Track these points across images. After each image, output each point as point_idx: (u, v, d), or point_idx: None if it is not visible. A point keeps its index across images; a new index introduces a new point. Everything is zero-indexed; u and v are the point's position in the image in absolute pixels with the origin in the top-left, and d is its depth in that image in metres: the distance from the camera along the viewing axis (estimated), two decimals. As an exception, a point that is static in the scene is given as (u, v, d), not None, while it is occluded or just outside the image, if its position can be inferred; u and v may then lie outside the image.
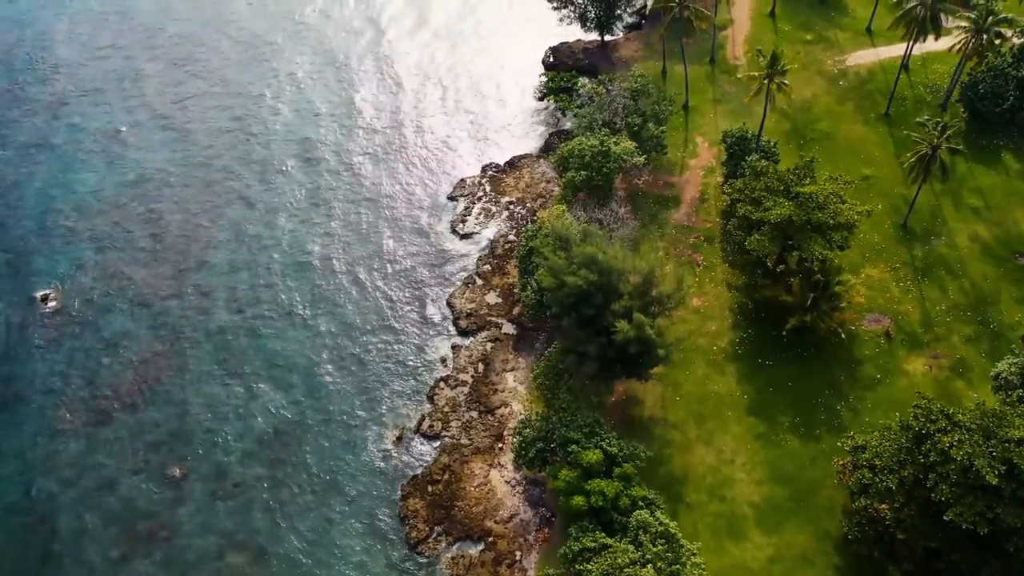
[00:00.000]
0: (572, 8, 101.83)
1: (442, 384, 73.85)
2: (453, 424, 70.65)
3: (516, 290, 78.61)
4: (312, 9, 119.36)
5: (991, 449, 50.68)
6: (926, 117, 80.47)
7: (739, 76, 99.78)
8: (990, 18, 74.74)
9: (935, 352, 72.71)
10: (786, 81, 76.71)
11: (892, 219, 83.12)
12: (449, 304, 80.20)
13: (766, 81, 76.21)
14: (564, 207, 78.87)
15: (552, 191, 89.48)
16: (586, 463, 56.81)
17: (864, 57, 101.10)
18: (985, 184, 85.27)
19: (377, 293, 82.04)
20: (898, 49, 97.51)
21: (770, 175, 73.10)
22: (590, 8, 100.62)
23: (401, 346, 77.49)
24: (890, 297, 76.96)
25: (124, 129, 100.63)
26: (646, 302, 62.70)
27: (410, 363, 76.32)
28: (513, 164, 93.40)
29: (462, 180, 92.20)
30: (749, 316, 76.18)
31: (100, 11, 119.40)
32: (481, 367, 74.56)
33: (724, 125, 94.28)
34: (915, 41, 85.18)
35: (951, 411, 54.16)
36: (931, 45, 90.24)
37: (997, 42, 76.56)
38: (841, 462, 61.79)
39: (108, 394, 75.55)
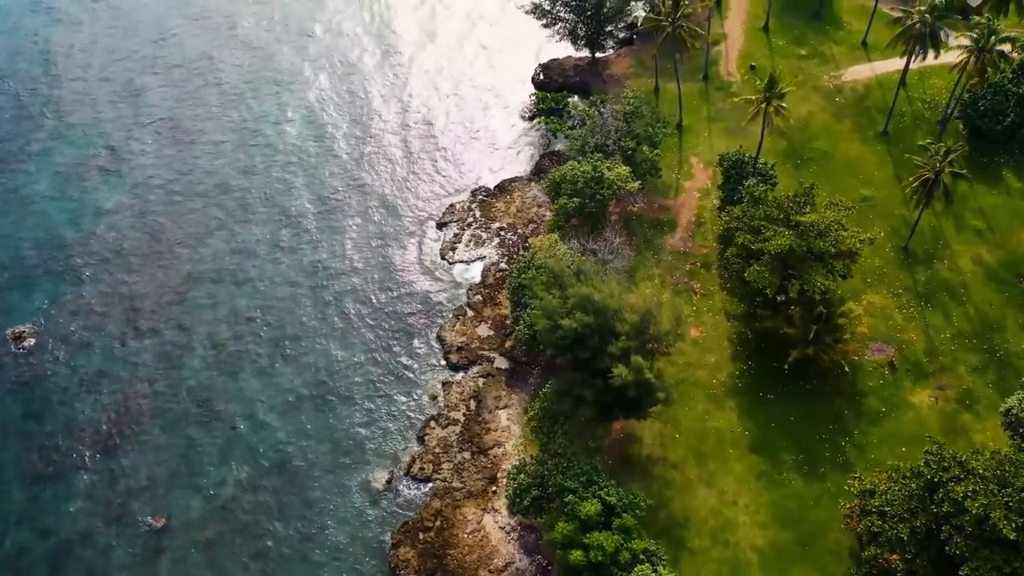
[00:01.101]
0: (562, 25, 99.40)
1: (433, 423, 71.19)
2: (445, 466, 67.98)
3: (508, 321, 76.12)
4: (290, 36, 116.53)
5: (1008, 500, 48.47)
6: (928, 140, 78.36)
7: (734, 92, 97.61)
8: (992, 38, 72.59)
9: (941, 383, 70.54)
10: (784, 104, 74.39)
11: (893, 242, 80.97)
12: (439, 337, 77.54)
13: (763, 104, 73.78)
14: (557, 236, 76.42)
15: (544, 216, 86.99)
16: (584, 515, 54.31)
17: (860, 72, 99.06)
18: (987, 204, 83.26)
19: (364, 327, 79.27)
20: (894, 63, 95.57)
21: (769, 203, 70.82)
22: (580, 25, 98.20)
23: (390, 383, 74.74)
24: (893, 325, 74.77)
25: (102, 156, 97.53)
26: (644, 340, 60.24)
27: (399, 401, 73.62)
28: (503, 188, 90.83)
29: (451, 205, 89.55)
30: (749, 347, 73.83)
31: (87, 26, 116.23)
32: (473, 404, 71.95)
33: (719, 144, 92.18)
34: (914, 59, 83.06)
35: (964, 458, 51.92)
36: (929, 59, 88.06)
37: (999, 62, 74.34)
38: (848, 506, 59.51)
39: (85, 438, 72.53)
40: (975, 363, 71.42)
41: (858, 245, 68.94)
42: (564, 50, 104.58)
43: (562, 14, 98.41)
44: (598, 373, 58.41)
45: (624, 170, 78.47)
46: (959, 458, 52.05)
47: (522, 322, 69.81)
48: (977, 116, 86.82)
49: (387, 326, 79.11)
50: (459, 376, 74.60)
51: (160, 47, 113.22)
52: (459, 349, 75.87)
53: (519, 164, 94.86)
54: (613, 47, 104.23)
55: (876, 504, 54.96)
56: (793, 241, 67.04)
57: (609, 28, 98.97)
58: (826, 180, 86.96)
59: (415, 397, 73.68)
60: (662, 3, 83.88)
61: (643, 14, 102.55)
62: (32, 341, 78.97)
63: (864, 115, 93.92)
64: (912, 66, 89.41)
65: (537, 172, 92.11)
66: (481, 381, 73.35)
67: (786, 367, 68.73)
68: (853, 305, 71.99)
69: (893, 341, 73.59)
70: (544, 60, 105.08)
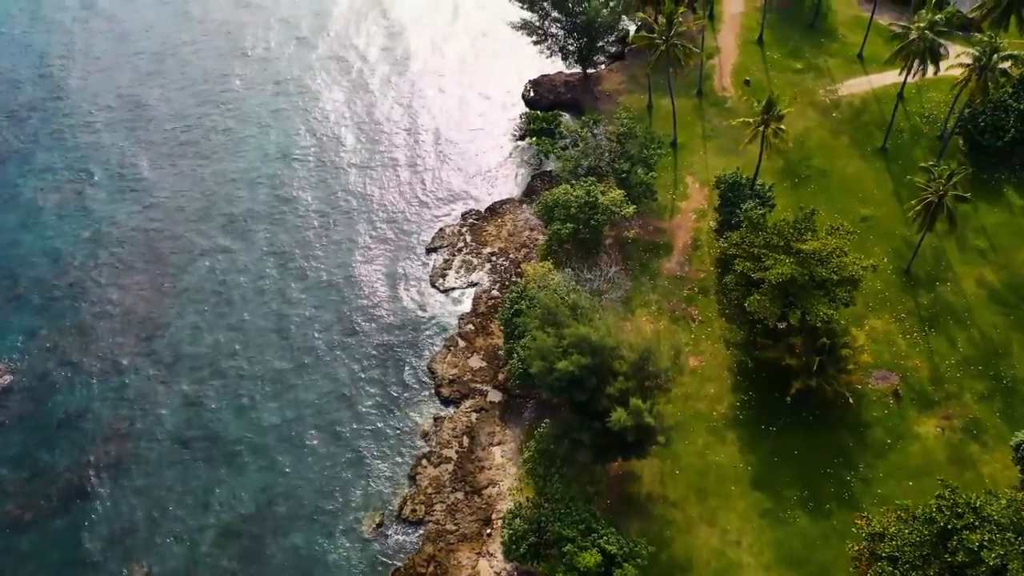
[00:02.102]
0: (552, 41, 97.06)
1: (424, 461, 68.70)
2: (437, 507, 65.53)
3: (501, 352, 73.74)
4: (275, 49, 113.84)
5: (1025, 550, 46.42)
6: (931, 163, 76.35)
7: (728, 108, 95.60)
8: (995, 56, 70.66)
9: (947, 412, 68.54)
10: (782, 127, 72.24)
11: (895, 263, 79.00)
12: (430, 369, 75.05)
13: (761, 127, 71.62)
14: (550, 264, 74.05)
15: (536, 240, 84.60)
16: (583, 567, 52.00)
17: (857, 86, 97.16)
18: (989, 223, 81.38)
19: (352, 359, 76.65)
20: (891, 76, 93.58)
21: (769, 230, 68.70)
22: (570, 41, 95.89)
23: (379, 419, 72.19)
24: (897, 351, 72.76)
25: (80, 181, 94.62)
26: (643, 378, 57.94)
27: (389, 438, 71.09)
28: (494, 210, 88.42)
29: (441, 230, 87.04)
30: (749, 376, 71.66)
31: (65, 46, 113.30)
32: (466, 441, 69.53)
33: (714, 163, 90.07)
34: (913, 75, 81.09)
35: (979, 503, 49.85)
36: (928, 74, 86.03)
37: (1001, 80, 72.45)
38: (857, 548, 57.32)
39: (63, 482, 69.67)
40: (981, 391, 69.49)
41: (861, 272, 66.91)
42: (554, 66, 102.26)
43: (552, 30, 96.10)
44: (596, 415, 56.08)
45: (618, 194, 76.20)
46: (973, 503, 50.00)
47: (515, 356, 67.44)
48: (977, 132, 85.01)
49: (376, 358, 76.54)
50: (451, 411, 72.13)
51: (137, 68, 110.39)
52: (451, 382, 73.42)
53: (510, 185, 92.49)
54: (604, 62, 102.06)
55: (886, 550, 52.83)
56: (794, 270, 64.97)
57: (600, 43, 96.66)
58: (824, 199, 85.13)
59: (405, 433, 71.20)
60: (655, 21, 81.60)
61: (634, 27, 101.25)
62: (8, 379, 76.04)
63: (862, 130, 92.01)
64: (910, 80, 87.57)
65: (529, 193, 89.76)
66: (474, 416, 70.93)
67: (788, 399, 66.65)
68: (855, 331, 70.09)
69: (897, 368, 71.58)
70: (534, 76, 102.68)
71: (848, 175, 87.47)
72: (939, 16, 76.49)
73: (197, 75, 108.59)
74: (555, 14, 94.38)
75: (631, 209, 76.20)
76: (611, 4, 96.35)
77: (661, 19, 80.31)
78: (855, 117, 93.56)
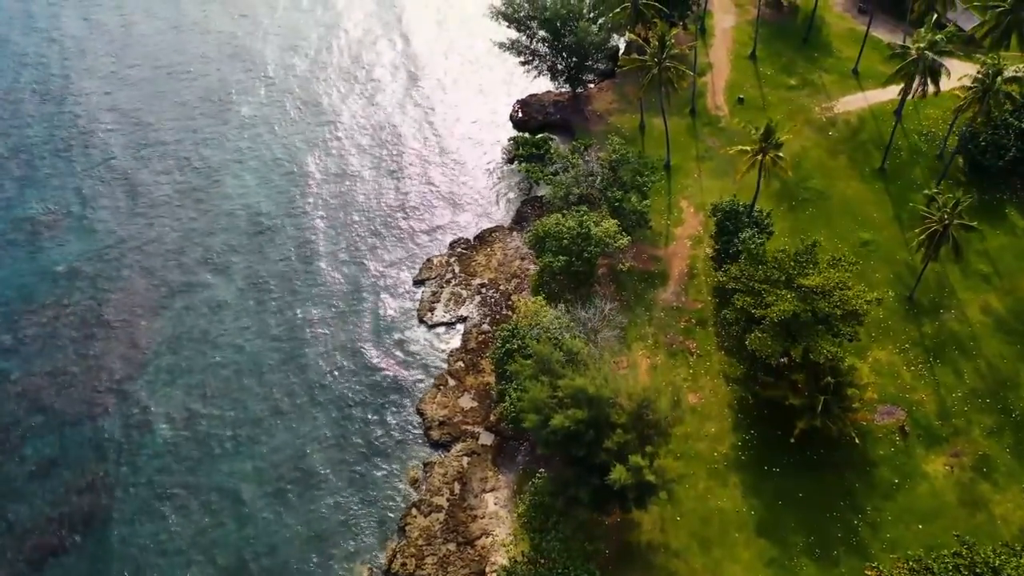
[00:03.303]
0: (540, 61, 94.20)
1: (414, 510, 65.68)
2: (428, 560, 62.52)
3: (492, 391, 70.87)
4: (254, 80, 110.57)
5: (1048, 615, 44.04)
6: (936, 190, 73.95)
7: (722, 128, 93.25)
8: (998, 79, 68.33)
9: (955, 449, 66.21)
10: (781, 155, 69.69)
11: (896, 290, 76.65)
12: (419, 411, 72.01)
13: (759, 156, 69.04)
14: (542, 299, 71.18)
15: (527, 269, 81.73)
16: (583, 633, 49.22)
17: (853, 103, 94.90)
18: (992, 246, 79.15)
19: (336, 401, 73.47)
20: (888, 92, 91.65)
21: (769, 263, 66.13)
22: (559, 61, 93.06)
23: (366, 465, 69.08)
24: (902, 384, 70.38)
25: (53, 214, 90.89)
26: (642, 427, 55.18)
27: (376, 486, 67.95)
28: (483, 239, 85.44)
29: (429, 260, 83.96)
30: (750, 414, 69.12)
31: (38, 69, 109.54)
32: (457, 487, 66.56)
33: (709, 185, 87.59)
34: (913, 95, 78.73)
35: (997, 563, 47.43)
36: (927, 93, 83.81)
37: (1005, 103, 70.18)
38: (868, 603, 54.95)
39: (34, 537, 66.16)
40: (990, 425, 67.22)
41: (865, 307, 64.44)
42: (543, 85, 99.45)
43: (540, 49, 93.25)
44: (594, 469, 53.28)
45: (612, 224, 73.48)
46: (991, 562, 47.60)
47: (508, 398, 64.60)
48: (978, 152, 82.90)
49: (361, 399, 73.41)
50: (441, 455, 69.10)
51: (109, 93, 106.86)
52: (441, 424, 70.45)
53: (499, 211, 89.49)
54: (594, 80, 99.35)
55: (901, 608, 50.42)
56: (796, 306, 62.45)
57: (589, 62, 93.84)
58: (823, 223, 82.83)
59: (394, 480, 68.12)
60: (647, 42, 78.90)
61: (624, 42, 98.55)
62: (-26, 427, 72.56)
63: (859, 150, 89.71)
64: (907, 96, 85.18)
65: (519, 220, 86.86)
66: (465, 460, 67.97)
67: (792, 439, 64.09)
68: (859, 364, 67.68)
69: (902, 402, 69.22)
70: (522, 96, 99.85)
71: (847, 197, 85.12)
72: (939, 36, 74.11)
73: (171, 102, 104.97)
74: (542, 34, 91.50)
75: (625, 240, 73.50)
76: (600, 20, 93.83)
77: (653, 41, 77.56)
78: (852, 135, 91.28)
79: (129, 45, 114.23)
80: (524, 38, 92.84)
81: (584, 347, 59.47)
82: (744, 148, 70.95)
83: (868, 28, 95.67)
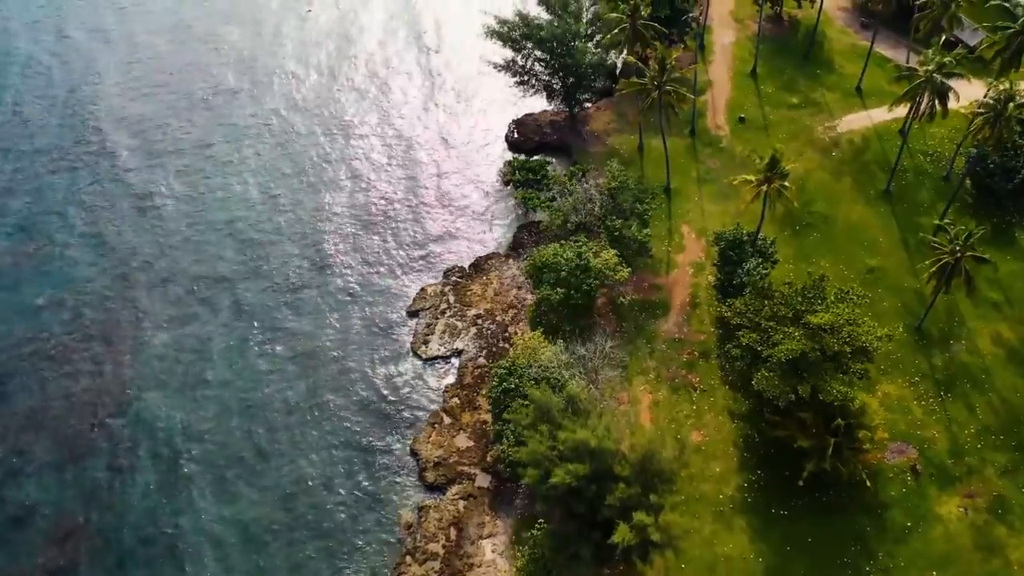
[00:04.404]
0: (535, 80, 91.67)
1: (408, 558, 63.08)
2: (424, 612, 60.03)
3: (489, 429, 68.34)
4: (240, 93, 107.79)
5: None
6: (947, 221, 71.64)
7: (723, 148, 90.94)
8: (1010, 104, 66.08)
9: (969, 490, 63.94)
10: (787, 184, 67.33)
11: (905, 320, 74.35)
12: (413, 451, 69.40)
13: (764, 186, 66.66)
14: (540, 335, 68.69)
15: (524, 299, 79.18)
16: None
17: (856, 122, 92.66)
18: (1002, 272, 76.74)
19: (327, 441, 70.69)
20: (892, 110, 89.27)
21: (776, 299, 63.73)
22: (555, 81, 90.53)
23: (357, 509, 66.45)
24: (912, 420, 68.10)
25: (33, 241, 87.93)
26: (646, 478, 52.73)
27: (369, 531, 65.30)
28: (479, 267, 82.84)
29: (422, 290, 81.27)
30: (757, 453, 66.74)
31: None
32: (453, 533, 64.02)
33: (711, 209, 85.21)
34: (920, 118, 76.49)
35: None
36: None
37: (1017, 129, 67.95)
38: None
39: (12, 589, 63.60)
40: (1004, 463, 65.00)
41: (876, 344, 62.11)
42: (539, 104, 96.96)
43: (536, 69, 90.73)
44: (596, 524, 50.80)
45: (611, 255, 71.03)
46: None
47: (505, 440, 62.11)
48: (986, 174, 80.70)
49: (353, 439, 70.71)
50: (436, 499, 66.50)
51: (96, 112, 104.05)
52: (436, 465, 67.85)
53: (495, 236, 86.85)
54: (591, 98, 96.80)
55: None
56: (804, 345, 60.08)
57: (586, 82, 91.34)
58: (828, 249, 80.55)
59: (387, 526, 65.45)
60: (646, 64, 76.45)
61: (621, 59, 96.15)
62: (-50, 471, 69.72)
63: (864, 171, 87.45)
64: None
65: (515, 247, 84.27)
66: (462, 504, 65.42)
67: (801, 482, 61.69)
68: (867, 397, 65.19)
69: (913, 439, 66.94)
70: (518, 116, 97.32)
71: (852, 221, 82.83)
72: (947, 59, 71.85)
73: (155, 123, 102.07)
74: (538, 53, 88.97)
75: (625, 273, 71.06)
76: (597, 37, 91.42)
77: (653, 64, 75.10)
78: (856, 156, 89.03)
79: (105, 70, 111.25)
80: (519, 58, 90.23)
81: (584, 392, 56.96)
82: (748, 178, 68.49)
83: (872, 45, 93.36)
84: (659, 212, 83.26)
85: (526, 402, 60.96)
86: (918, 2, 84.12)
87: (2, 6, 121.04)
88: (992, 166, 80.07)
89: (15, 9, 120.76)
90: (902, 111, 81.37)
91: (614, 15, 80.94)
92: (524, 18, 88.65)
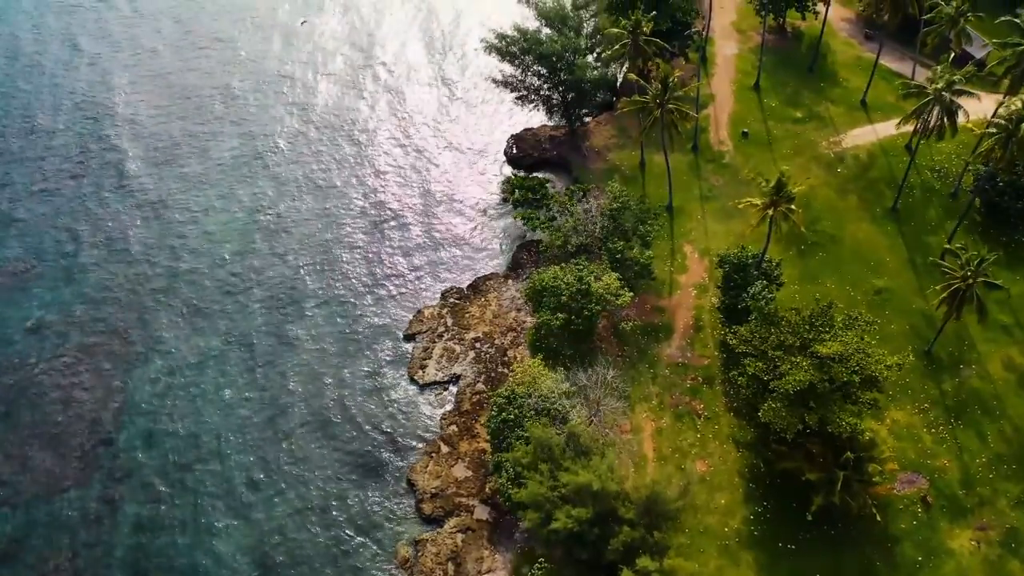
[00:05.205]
0: (535, 95, 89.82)
1: (405, 596, 61.33)
2: (421, 653, 58.20)
3: (487, 458, 66.50)
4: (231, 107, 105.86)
5: None
6: (959, 246, 69.84)
7: (726, 164, 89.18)
8: (1023, 125, 64.32)
9: (981, 522, 62.19)
10: (793, 207, 65.56)
11: (914, 343, 72.58)
12: (410, 481, 67.54)
13: (770, 210, 64.88)
14: (540, 363, 66.84)
15: (524, 322, 77.33)
16: None
17: (861, 136, 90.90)
18: (1013, 295, 74.99)
19: (323, 471, 68.79)
20: (897, 123, 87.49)
21: (783, 327, 61.91)
22: (556, 96, 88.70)
23: (352, 544, 64.52)
24: (922, 448, 66.34)
25: (22, 260, 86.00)
26: (650, 518, 50.94)
27: (363, 567, 63.32)
28: (477, 288, 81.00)
29: (419, 312, 79.39)
30: (763, 483, 64.93)
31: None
32: (451, 568, 62.17)
33: (714, 228, 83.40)
34: (928, 136, 74.75)
35: None
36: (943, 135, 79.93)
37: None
38: None
39: (-5, 630, 61.74)
40: (1017, 495, 63.23)
41: (885, 372, 60.35)
42: (538, 118, 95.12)
43: (535, 84, 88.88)
44: (598, 569, 49.00)
45: (614, 280, 69.16)
46: None
47: (504, 475, 60.26)
48: (995, 193, 78.96)
49: (347, 469, 68.81)
50: (434, 531, 64.64)
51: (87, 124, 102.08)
52: (433, 496, 66.01)
53: (493, 256, 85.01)
54: (591, 111, 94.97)
55: None
56: (813, 375, 58.30)
57: (587, 98, 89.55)
58: (834, 269, 78.78)
59: (382, 561, 63.54)
60: (648, 82, 74.65)
61: (622, 71, 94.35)
62: (-67, 504, 67.80)
63: (870, 188, 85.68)
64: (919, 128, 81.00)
65: (514, 267, 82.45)
66: (460, 538, 63.58)
67: (809, 516, 59.93)
68: (876, 425, 63.42)
69: (924, 469, 65.18)
70: (517, 130, 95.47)
71: (858, 240, 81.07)
72: (957, 76, 70.10)
73: (144, 140, 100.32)
74: (538, 68, 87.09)
75: (628, 297, 69.21)
76: (598, 50, 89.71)
77: (655, 82, 73.32)
78: (862, 173, 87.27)
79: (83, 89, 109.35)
80: (518, 73, 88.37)
81: (586, 428, 55.11)
82: (754, 201, 66.68)
83: (877, 58, 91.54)
84: (661, 231, 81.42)
85: (525, 432, 59.32)
86: (925, 17, 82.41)
87: (9, 14, 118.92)
88: (1002, 185, 78.36)
89: (22, 18, 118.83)
90: (908, 125, 79.63)
91: (615, 30, 79.21)
92: (523, 33, 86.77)
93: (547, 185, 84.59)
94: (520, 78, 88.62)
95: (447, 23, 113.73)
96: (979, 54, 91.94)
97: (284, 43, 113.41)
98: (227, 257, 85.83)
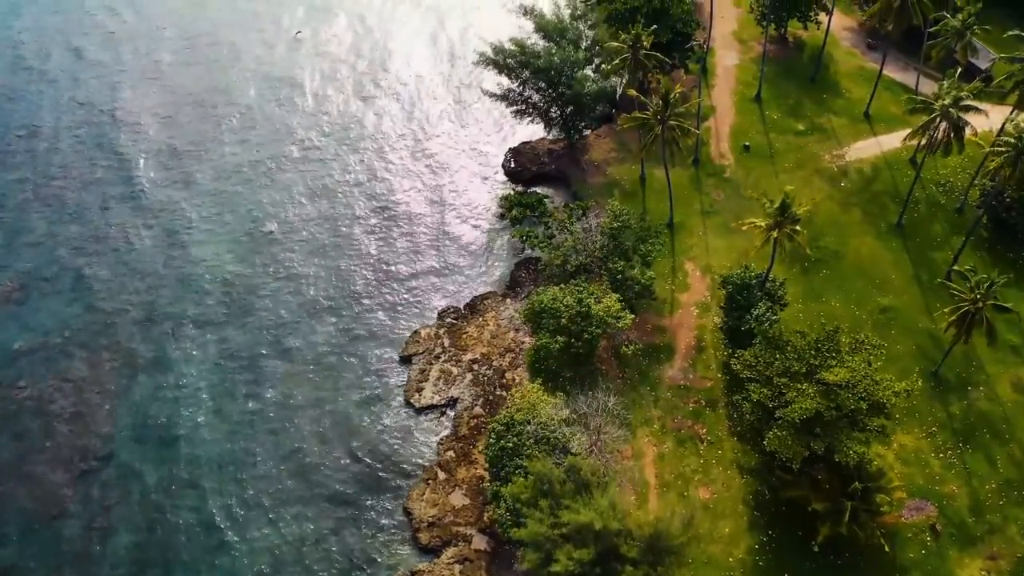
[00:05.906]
0: (533, 108, 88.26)
1: (402, 632, 59.76)
2: None
3: (486, 486, 64.94)
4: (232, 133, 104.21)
5: None
6: (967, 267, 68.32)
7: (727, 179, 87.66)
8: (1032, 143, 62.90)
9: (992, 551, 60.72)
10: (798, 228, 64.05)
11: (921, 364, 71.09)
12: (406, 509, 65.94)
13: (774, 232, 63.36)
14: (539, 387, 65.28)
15: (522, 342, 75.75)
16: None
17: (865, 149, 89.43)
18: (1021, 312, 73.50)
19: (316, 499, 67.08)
20: (902, 138, 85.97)
21: (788, 353, 60.38)
22: (554, 109, 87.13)
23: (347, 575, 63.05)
24: (930, 474, 64.86)
25: (9, 280, 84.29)
26: (654, 555, 49.44)
27: (361, 600, 62.08)
28: (474, 307, 79.39)
29: (415, 333, 77.74)
30: (768, 511, 63.43)
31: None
32: (449, 601, 60.70)
33: (715, 244, 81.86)
34: (934, 152, 73.29)
35: None
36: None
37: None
38: None
39: (-19, 665, 60.11)
40: (1028, 522, 61.85)
41: (894, 399, 58.87)
42: (537, 131, 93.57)
43: (533, 97, 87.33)
44: (600, 609, 47.54)
45: (614, 302, 67.61)
46: None
47: (503, 505, 58.69)
48: (1002, 208, 77.50)
49: (341, 497, 67.09)
50: (430, 562, 63.04)
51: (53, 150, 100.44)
52: (430, 525, 64.44)
53: (490, 274, 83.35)
54: (590, 124, 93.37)
55: None
56: (819, 403, 56.83)
57: (586, 110, 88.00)
58: (838, 286, 77.31)
59: (379, 595, 62.16)
60: (648, 98, 73.13)
61: (622, 83, 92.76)
62: (-81, 532, 66.17)
63: (874, 202, 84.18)
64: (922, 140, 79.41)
65: (512, 286, 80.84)
66: (457, 568, 62.05)
67: (816, 547, 58.49)
68: (883, 450, 62.01)
69: (932, 495, 63.69)
70: (515, 143, 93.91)
71: (862, 256, 79.58)
72: (964, 91, 68.61)
73: (140, 156, 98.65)
74: (536, 82, 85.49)
75: (629, 320, 67.65)
76: (597, 62, 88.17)
77: (655, 98, 71.77)
78: (866, 187, 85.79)
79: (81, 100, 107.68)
80: (516, 86, 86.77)
81: (586, 459, 53.58)
82: (758, 223, 65.13)
83: (881, 69, 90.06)
84: (662, 249, 79.85)
85: (523, 462, 57.81)
86: (930, 29, 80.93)
87: (11, 21, 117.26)
88: (1009, 200, 76.91)
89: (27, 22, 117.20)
90: (914, 141, 78.08)
91: (615, 44, 77.64)
92: (521, 46, 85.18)
93: (546, 201, 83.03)
94: (518, 91, 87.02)
95: (454, 33, 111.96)
96: (984, 65, 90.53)
97: (285, 51, 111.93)
98: (215, 276, 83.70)
